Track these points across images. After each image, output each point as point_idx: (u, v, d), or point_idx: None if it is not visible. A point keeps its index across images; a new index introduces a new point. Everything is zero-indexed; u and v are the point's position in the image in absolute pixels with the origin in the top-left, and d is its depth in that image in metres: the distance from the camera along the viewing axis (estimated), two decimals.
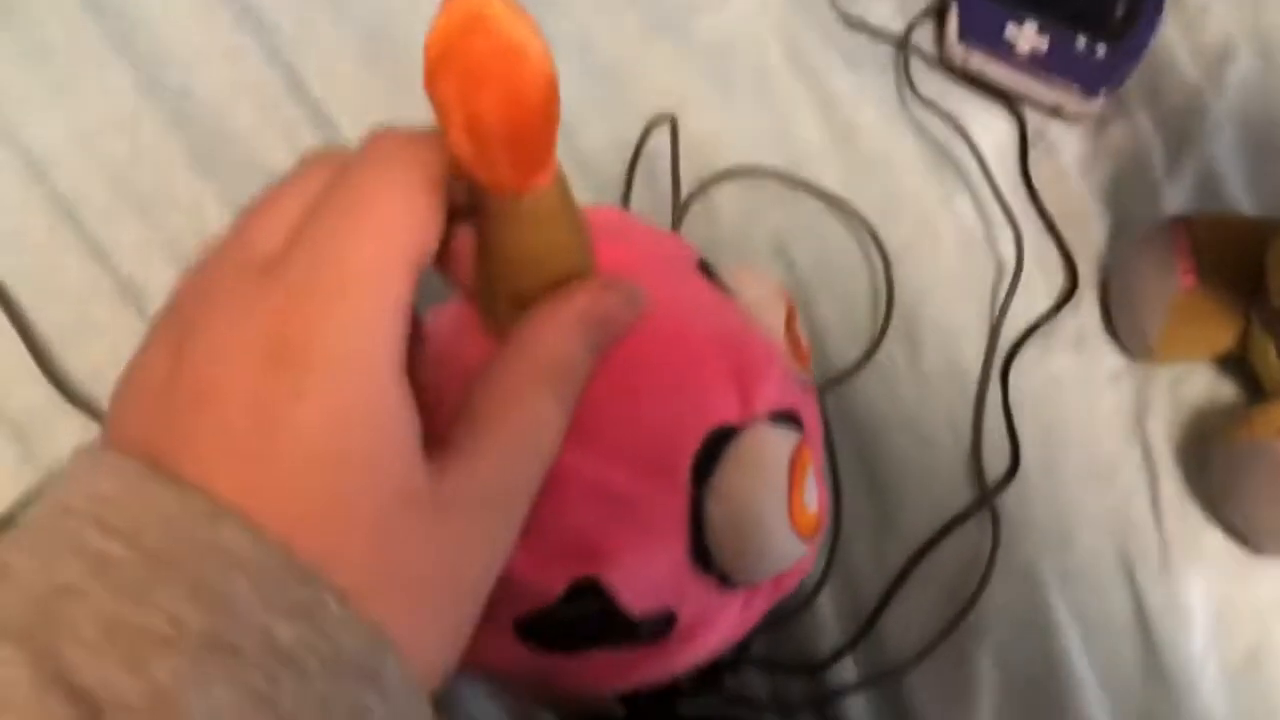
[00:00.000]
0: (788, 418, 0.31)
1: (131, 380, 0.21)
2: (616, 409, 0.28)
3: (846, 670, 0.43)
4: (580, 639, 0.28)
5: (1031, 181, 0.50)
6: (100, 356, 0.46)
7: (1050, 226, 0.49)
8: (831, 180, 0.50)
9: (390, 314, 0.21)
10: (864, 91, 0.52)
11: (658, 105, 0.50)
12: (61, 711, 0.15)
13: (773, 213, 0.49)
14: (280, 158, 0.48)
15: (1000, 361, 0.46)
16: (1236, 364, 0.46)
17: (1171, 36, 0.56)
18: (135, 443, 0.20)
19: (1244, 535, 0.43)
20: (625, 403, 0.28)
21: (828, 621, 0.43)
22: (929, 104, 0.51)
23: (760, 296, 0.35)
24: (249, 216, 0.23)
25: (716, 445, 0.28)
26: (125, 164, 0.49)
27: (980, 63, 0.53)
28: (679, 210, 0.49)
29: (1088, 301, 0.48)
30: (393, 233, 0.21)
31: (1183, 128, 0.52)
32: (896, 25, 0.55)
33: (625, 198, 0.48)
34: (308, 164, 0.24)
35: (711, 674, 0.37)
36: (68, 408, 0.45)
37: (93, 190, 0.48)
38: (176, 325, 0.21)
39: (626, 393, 0.28)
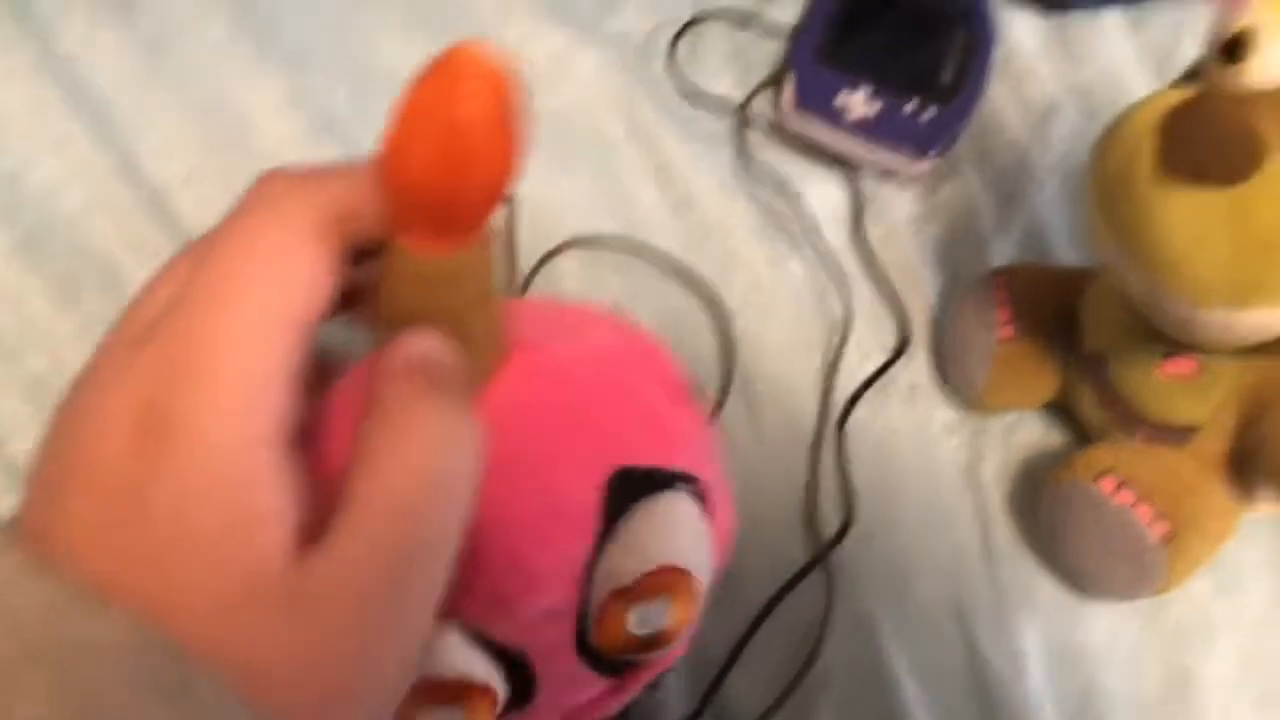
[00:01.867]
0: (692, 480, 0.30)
1: (33, 460, 0.21)
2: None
3: None
4: None
5: (865, 242, 0.52)
6: None
7: (883, 284, 0.51)
8: (671, 246, 0.51)
9: (263, 384, 0.19)
10: (702, 159, 0.53)
11: None
12: None
13: (614, 280, 0.50)
14: (111, 243, 0.48)
15: (836, 417, 0.47)
16: (1064, 411, 0.47)
17: (999, 97, 0.58)
18: (28, 522, 0.19)
19: (1073, 579, 0.44)
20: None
21: (675, 687, 0.43)
22: (765, 170, 0.53)
23: None
24: (143, 287, 0.22)
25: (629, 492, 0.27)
26: None
27: (815, 129, 0.55)
28: (523, 282, 0.49)
29: (920, 356, 0.49)
30: (270, 291, 0.19)
31: (1010, 185, 0.55)
32: (735, 95, 0.57)
33: None
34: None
35: None
36: None
37: None
38: (61, 405, 0.21)
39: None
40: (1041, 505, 0.44)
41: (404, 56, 0.53)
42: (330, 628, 0.19)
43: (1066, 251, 0.52)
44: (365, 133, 0.51)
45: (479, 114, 0.19)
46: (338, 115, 0.53)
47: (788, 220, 0.52)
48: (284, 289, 0.20)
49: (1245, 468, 0.41)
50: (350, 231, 0.21)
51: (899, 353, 0.49)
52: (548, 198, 0.51)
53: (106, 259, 0.47)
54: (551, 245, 0.50)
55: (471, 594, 0.24)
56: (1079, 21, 0.61)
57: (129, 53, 0.52)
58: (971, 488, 0.46)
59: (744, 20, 0.60)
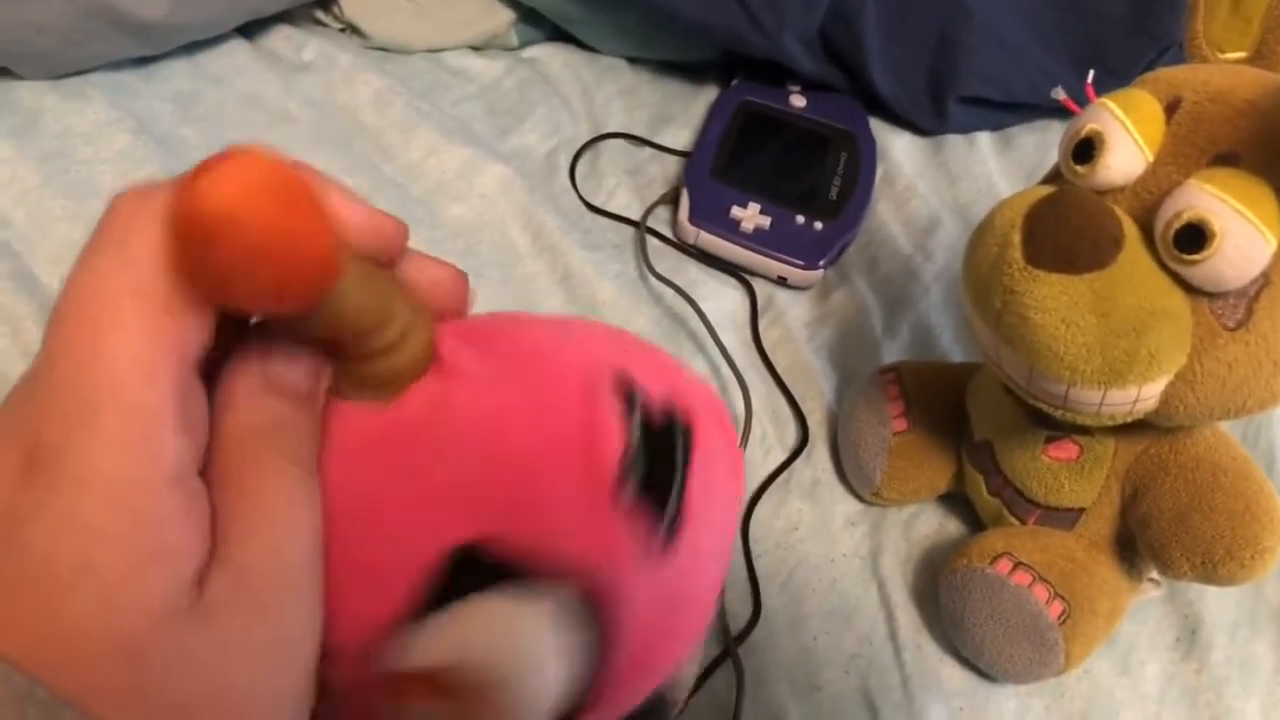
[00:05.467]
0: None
1: None
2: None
3: None
4: None
5: (762, 345, 0.54)
6: None
7: (780, 385, 0.52)
8: None
9: (144, 419, 0.18)
10: (606, 268, 0.55)
11: None
12: None
13: None
14: (7, 351, 0.47)
15: (740, 516, 0.47)
16: (961, 500, 0.49)
17: (884, 212, 0.62)
18: None
19: (978, 662, 0.44)
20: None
21: None
22: (664, 279, 0.54)
23: None
24: None
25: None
26: None
27: (710, 241, 0.57)
28: None
29: (820, 452, 0.51)
30: (138, 330, 0.18)
31: (897, 291, 0.57)
32: (635, 209, 0.59)
33: None
34: None
35: None
36: None
37: None
38: None
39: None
40: (942, 592, 0.44)
41: None
42: (230, 644, 0.19)
43: (951, 350, 0.55)
44: None
45: (221, 198, 0.17)
46: None
47: (688, 325, 0.54)
48: (152, 325, 0.19)
49: (1131, 547, 0.43)
50: None
51: (798, 450, 0.50)
52: None
53: (1, 366, 0.46)
54: None
55: None
56: (953, 142, 0.66)
57: (27, 163, 0.51)
58: (875, 578, 0.47)
59: (641, 140, 0.63)
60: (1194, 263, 0.33)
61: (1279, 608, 0.47)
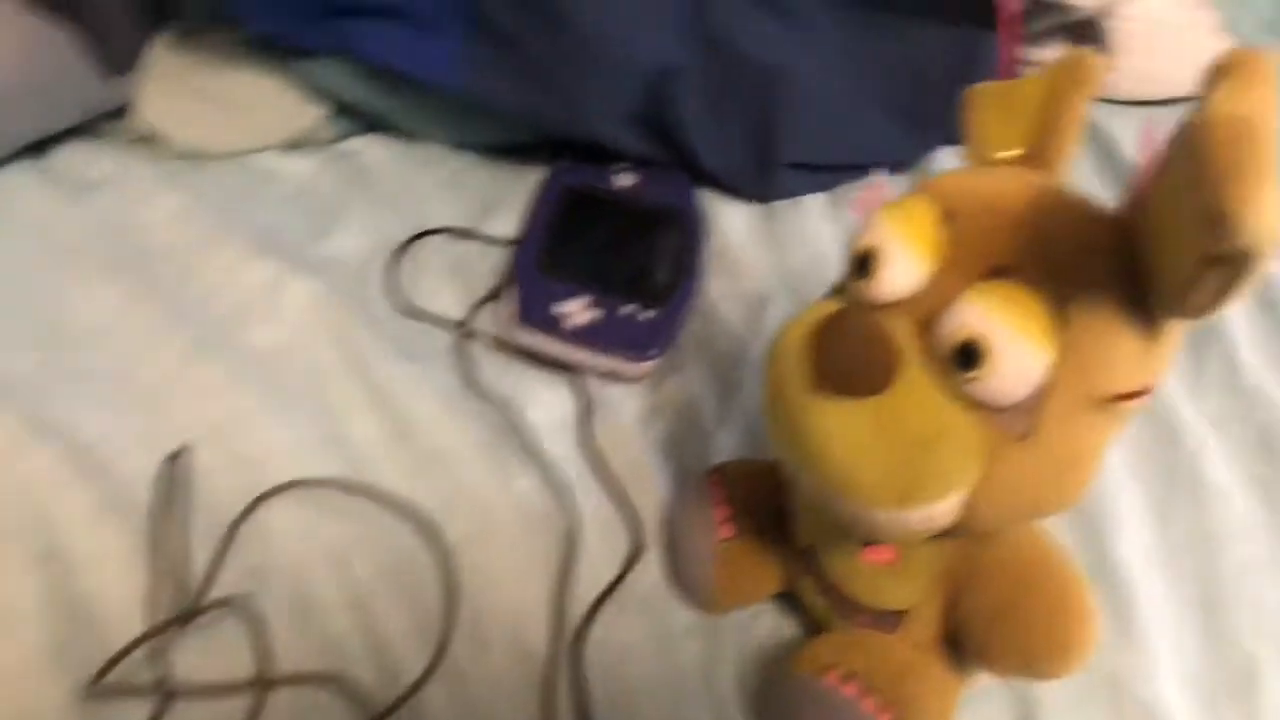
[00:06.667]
0: None
1: None
2: None
3: None
4: None
5: (593, 448, 0.52)
6: None
7: (613, 488, 0.51)
8: (392, 479, 0.49)
9: None
10: (423, 381, 0.53)
11: (206, 426, 0.49)
12: None
13: (330, 524, 0.48)
14: None
15: (570, 637, 0.46)
16: (795, 600, 0.48)
17: (717, 289, 0.60)
18: None
19: None
20: None
21: None
22: (487, 388, 0.52)
23: None
24: None
25: None
26: None
27: (537, 340, 0.55)
28: (225, 538, 0.46)
29: (655, 559, 0.49)
30: None
31: (729, 376, 0.56)
32: (457, 311, 0.57)
33: (155, 532, 0.46)
34: None
35: None
36: None
37: None
38: None
39: None
40: (775, 707, 0.43)
41: (99, 312, 0.51)
42: None
43: None
44: (58, 390, 0.48)
45: None
46: (20, 375, 0.50)
47: (514, 436, 0.52)
48: None
49: (954, 647, 0.42)
50: None
51: (631, 562, 0.48)
52: (258, 442, 0.49)
53: None
54: (261, 492, 0.48)
55: None
56: (784, 208, 0.65)
57: None
58: (709, 691, 0.45)
59: (464, 233, 0.61)
60: (972, 380, 0.33)
61: (1110, 674, 0.46)
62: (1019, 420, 0.34)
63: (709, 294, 0.60)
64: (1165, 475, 0.53)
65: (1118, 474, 0.52)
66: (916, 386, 0.34)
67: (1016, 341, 0.32)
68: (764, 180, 0.64)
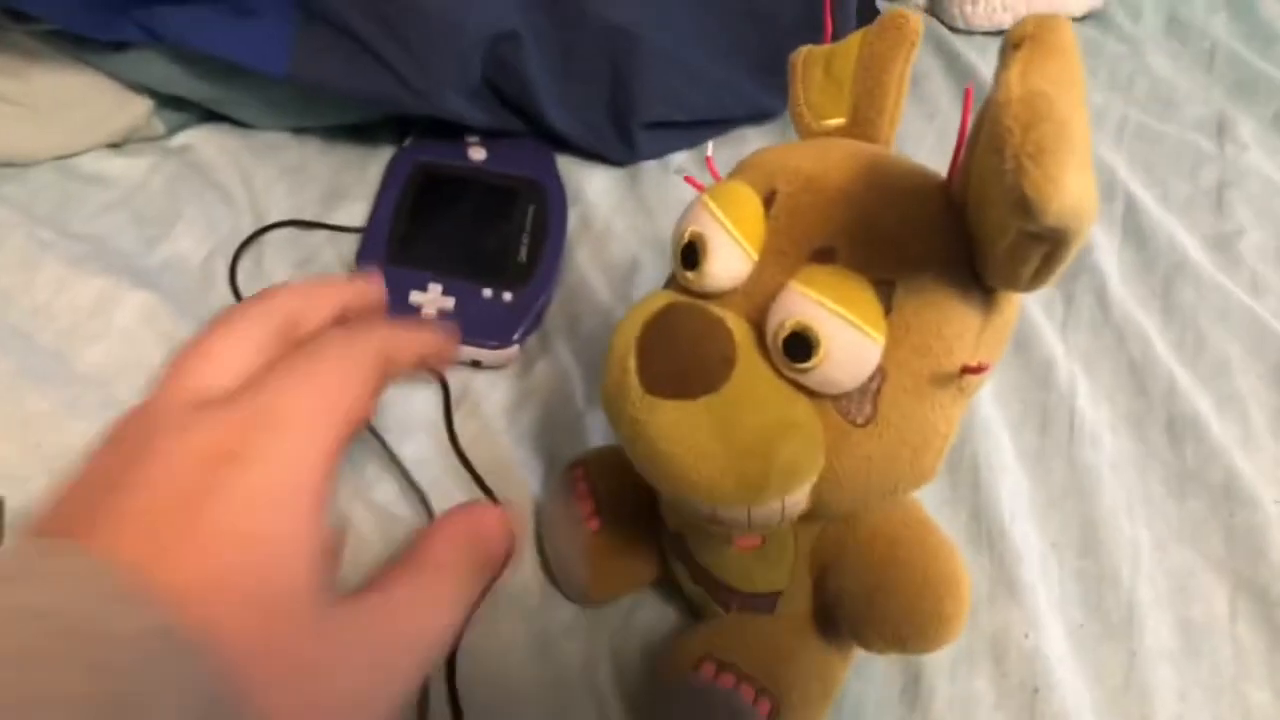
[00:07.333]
0: None
1: (62, 487, 0.23)
2: None
3: None
4: None
5: (459, 445, 0.50)
6: None
7: (483, 487, 0.49)
8: None
9: (321, 454, 0.24)
10: None
11: (41, 458, 0.46)
12: None
13: None
14: None
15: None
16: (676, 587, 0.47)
17: (583, 261, 0.58)
18: (58, 524, 0.22)
19: None
20: None
21: None
22: None
23: None
24: (188, 358, 0.26)
25: None
26: None
27: None
28: None
29: (530, 557, 0.47)
30: (337, 396, 0.25)
31: (600, 352, 0.54)
32: None
33: None
34: (238, 313, 0.27)
35: None
36: None
37: None
38: (113, 447, 0.24)
39: None
40: (653, 704, 0.42)
41: None
42: (350, 647, 0.24)
43: None
44: None
45: None
46: None
47: (370, 439, 0.49)
48: (345, 393, 0.26)
49: (829, 624, 0.42)
50: (390, 372, 0.29)
51: (500, 565, 0.46)
52: None
53: None
54: None
55: None
56: (647, 170, 0.63)
57: None
58: (591, 690, 0.44)
59: (311, 224, 0.58)
60: (805, 370, 0.31)
61: (992, 635, 0.46)
62: (860, 406, 0.33)
63: (576, 267, 0.58)
64: (1039, 419, 0.52)
65: (993, 424, 0.52)
66: (753, 380, 0.32)
67: (846, 329, 0.31)
68: (623, 142, 0.62)
